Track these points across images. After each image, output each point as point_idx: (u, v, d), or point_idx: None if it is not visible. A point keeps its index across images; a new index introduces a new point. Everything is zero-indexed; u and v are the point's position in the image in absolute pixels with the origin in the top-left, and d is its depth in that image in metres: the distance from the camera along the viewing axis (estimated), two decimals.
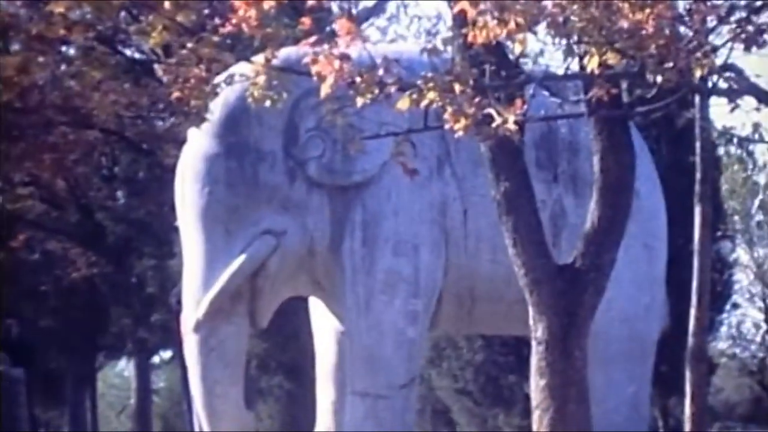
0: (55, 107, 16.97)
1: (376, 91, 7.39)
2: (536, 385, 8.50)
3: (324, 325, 12.03)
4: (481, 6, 6.86)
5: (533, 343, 8.52)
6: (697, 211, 14.12)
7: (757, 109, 7.38)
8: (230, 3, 9.34)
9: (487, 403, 22.18)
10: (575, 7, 6.82)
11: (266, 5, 7.88)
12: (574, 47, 7.26)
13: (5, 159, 19.73)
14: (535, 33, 7.07)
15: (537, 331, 8.44)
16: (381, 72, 7.40)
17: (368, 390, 11.22)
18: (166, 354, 26.32)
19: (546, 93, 8.10)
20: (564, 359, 8.37)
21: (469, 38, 6.96)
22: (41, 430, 31.87)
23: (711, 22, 7.23)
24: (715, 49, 7.19)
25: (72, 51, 16.71)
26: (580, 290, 8.43)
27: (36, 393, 25.43)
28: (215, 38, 10.28)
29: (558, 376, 8.39)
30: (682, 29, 7.18)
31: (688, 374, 13.97)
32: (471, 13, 6.87)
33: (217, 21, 10.78)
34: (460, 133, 7.14)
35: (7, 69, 12.41)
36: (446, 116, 7.16)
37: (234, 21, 9.18)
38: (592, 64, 7.10)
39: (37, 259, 24.73)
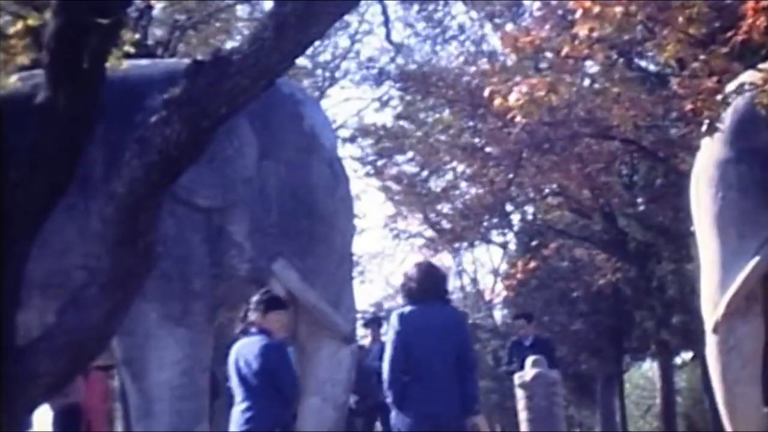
0: (580, 120, 17.91)
1: None
2: None
3: None
4: None
5: None
6: None
7: None
8: (740, 12, 9.72)
9: None
10: None
11: None
12: None
13: (537, 171, 20.96)
14: None
15: None
16: None
17: None
18: (687, 355, 26.39)
19: None
20: None
21: None
22: (576, 430, 33.11)
23: None
24: None
25: (594, 68, 17.51)
26: None
27: (570, 394, 26.51)
28: (725, 50, 10.68)
29: None
30: None
31: None
32: None
33: (727, 34, 11.19)
34: None
35: (538, 89, 13.20)
36: None
37: (743, 29, 9.56)
38: None
39: (567, 266, 25.81)
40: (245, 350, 8.13)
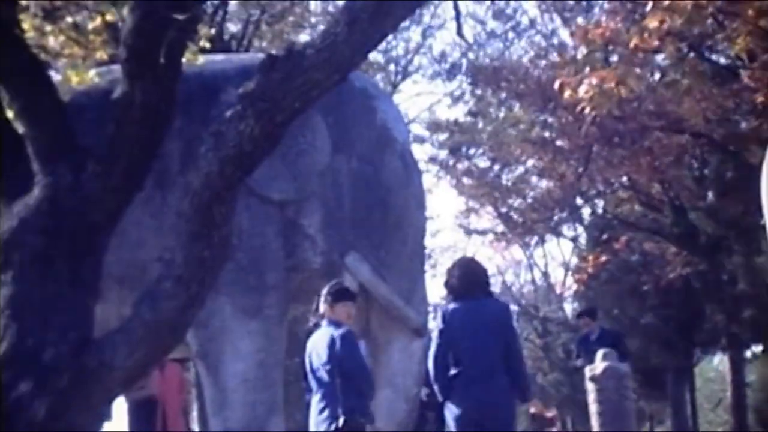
0: (650, 114, 17.84)
1: None
2: None
3: None
4: None
5: None
6: None
7: None
8: None
9: None
10: None
11: None
12: None
13: (607, 165, 20.92)
14: None
15: None
16: None
17: None
18: (758, 348, 26.21)
19: None
20: None
21: None
22: (646, 422, 32.95)
23: None
24: None
25: (664, 61, 17.42)
26: None
27: (640, 387, 26.36)
28: None
29: None
30: None
31: None
32: None
33: None
34: None
35: (608, 81, 13.17)
36: None
37: None
38: None
39: (637, 260, 25.71)
40: (317, 342, 8.25)
